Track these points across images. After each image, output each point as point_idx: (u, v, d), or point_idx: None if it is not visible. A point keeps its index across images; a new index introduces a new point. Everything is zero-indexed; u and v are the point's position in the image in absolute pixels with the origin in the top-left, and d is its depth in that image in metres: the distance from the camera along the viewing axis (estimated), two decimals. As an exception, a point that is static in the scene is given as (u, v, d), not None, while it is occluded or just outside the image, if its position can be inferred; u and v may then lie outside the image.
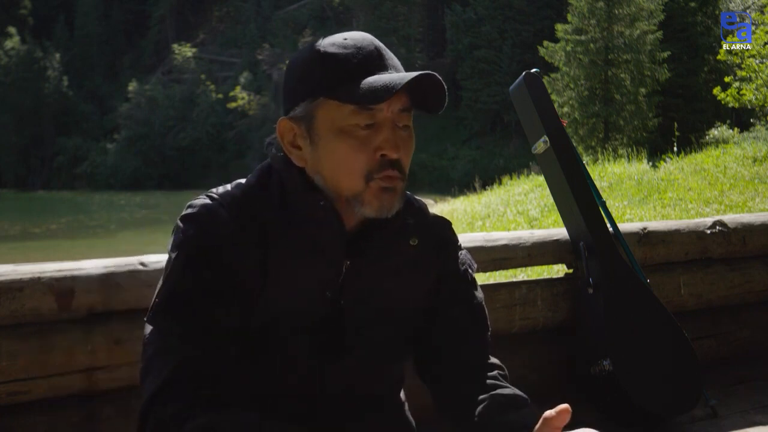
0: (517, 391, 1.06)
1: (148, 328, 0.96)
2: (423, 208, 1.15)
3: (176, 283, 0.96)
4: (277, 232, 1.00)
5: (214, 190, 1.04)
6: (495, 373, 1.11)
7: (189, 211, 1.00)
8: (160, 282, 0.99)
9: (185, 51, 51.85)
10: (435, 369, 1.12)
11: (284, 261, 1.00)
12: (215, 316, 0.95)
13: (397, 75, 0.94)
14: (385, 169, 0.97)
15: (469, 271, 1.17)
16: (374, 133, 0.97)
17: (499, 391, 1.05)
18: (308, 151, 0.99)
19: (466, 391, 1.08)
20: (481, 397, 1.05)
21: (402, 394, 1.23)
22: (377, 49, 0.98)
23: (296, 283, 1.01)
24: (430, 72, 0.94)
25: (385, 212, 0.99)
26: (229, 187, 1.05)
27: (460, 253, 1.17)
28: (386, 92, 0.91)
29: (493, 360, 1.15)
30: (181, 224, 1.00)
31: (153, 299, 0.98)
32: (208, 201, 1.01)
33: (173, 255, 0.98)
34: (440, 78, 0.95)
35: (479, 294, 1.17)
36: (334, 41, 0.98)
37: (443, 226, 1.16)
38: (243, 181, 1.06)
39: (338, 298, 1.03)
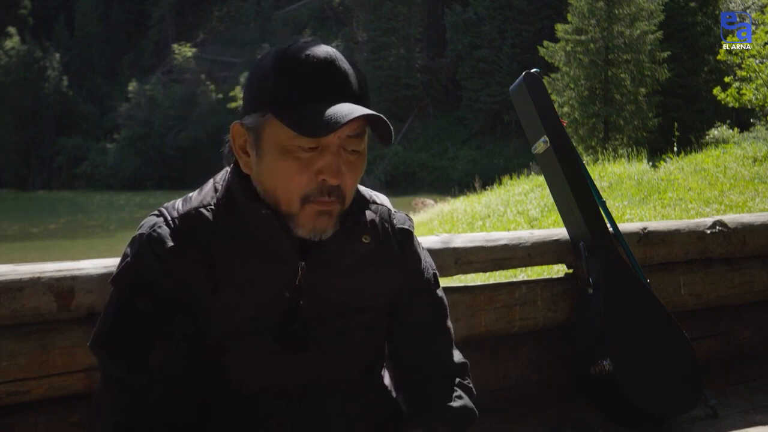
0: (467, 402, 1.13)
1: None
2: (385, 206, 1.17)
3: (113, 319, 0.99)
4: (225, 244, 1.01)
5: (167, 205, 1.05)
6: (451, 372, 1.17)
7: (137, 233, 1.02)
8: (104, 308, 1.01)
9: (185, 51, 51.83)
10: (395, 355, 1.19)
11: (236, 270, 1.01)
12: (155, 348, 0.97)
13: (344, 108, 0.92)
14: (323, 195, 0.98)
15: (430, 269, 1.21)
16: (318, 155, 0.97)
17: (445, 402, 1.12)
18: (254, 161, 1.00)
19: (416, 383, 1.16)
20: (428, 397, 1.14)
21: (387, 378, 1.25)
22: (335, 72, 0.95)
23: (253, 289, 1.02)
24: (376, 114, 0.94)
25: (318, 234, 1.00)
26: (179, 202, 1.05)
27: (420, 251, 1.21)
28: (328, 128, 0.90)
29: (457, 357, 1.20)
30: (127, 249, 1.02)
31: (96, 324, 1.00)
32: (155, 221, 1.02)
33: (111, 287, 1.01)
34: (384, 119, 0.95)
35: (440, 292, 1.22)
36: (294, 55, 0.96)
37: (404, 223, 1.19)
38: (193, 194, 1.06)
39: (297, 297, 1.04)
